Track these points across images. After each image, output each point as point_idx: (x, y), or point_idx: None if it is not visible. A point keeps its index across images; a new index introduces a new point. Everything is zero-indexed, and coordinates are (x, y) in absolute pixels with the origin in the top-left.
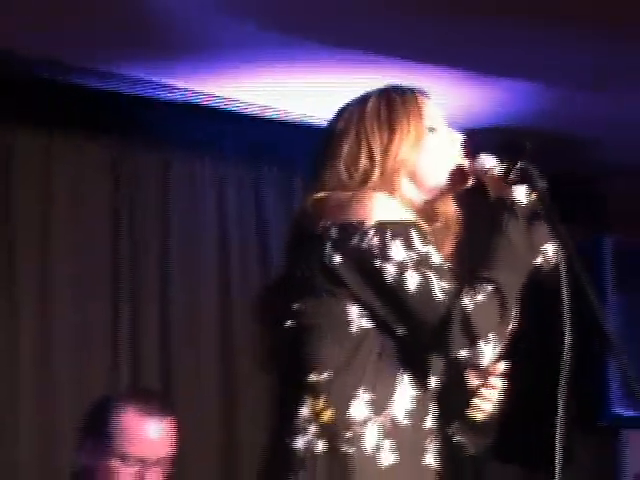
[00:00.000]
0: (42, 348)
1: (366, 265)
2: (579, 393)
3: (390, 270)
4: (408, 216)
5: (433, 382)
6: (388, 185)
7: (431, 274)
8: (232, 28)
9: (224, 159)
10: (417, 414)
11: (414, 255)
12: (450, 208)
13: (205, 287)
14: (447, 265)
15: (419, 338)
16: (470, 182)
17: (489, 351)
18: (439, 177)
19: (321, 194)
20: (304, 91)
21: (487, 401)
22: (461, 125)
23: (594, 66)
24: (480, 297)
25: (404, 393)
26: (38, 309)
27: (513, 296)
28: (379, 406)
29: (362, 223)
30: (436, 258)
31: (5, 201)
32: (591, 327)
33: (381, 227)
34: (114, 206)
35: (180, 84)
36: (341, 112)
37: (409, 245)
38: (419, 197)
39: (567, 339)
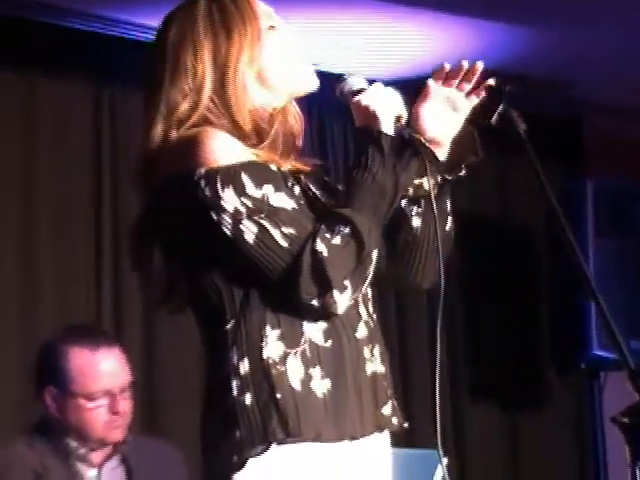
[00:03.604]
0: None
1: (204, 219)
2: (559, 335)
3: (226, 222)
4: (241, 153)
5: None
6: (237, 93)
7: (268, 222)
8: None
9: None
10: (339, 328)
11: (248, 202)
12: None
13: None
14: (295, 201)
15: (271, 289)
16: (314, 87)
17: (344, 299)
18: (288, 76)
19: (155, 142)
20: None
21: None
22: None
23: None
24: (336, 240)
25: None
26: (21, 247)
27: (373, 238)
28: (293, 337)
29: (192, 173)
30: (276, 199)
31: None
32: (571, 271)
33: (210, 176)
34: (96, 142)
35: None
36: (169, 21)
37: (241, 192)
38: (274, 102)
39: (442, 275)
